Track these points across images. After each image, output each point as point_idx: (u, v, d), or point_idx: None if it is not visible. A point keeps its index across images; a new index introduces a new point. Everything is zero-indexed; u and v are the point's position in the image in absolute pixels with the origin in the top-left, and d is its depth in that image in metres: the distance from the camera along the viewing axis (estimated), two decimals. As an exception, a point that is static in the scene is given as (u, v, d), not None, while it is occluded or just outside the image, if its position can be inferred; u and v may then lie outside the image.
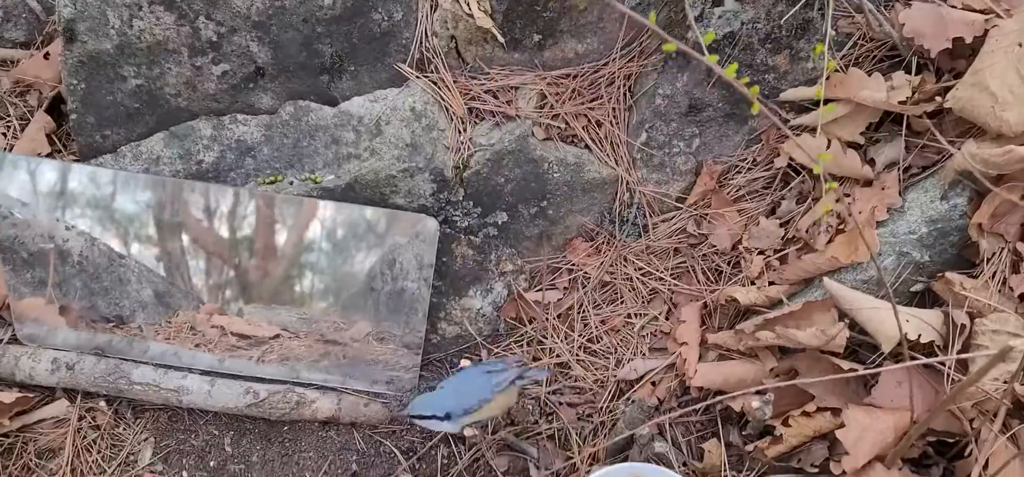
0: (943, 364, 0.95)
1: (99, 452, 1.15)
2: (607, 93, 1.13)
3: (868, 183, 1.06)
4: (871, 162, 1.06)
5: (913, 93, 1.01)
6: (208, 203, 1.10)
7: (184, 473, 1.16)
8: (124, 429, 1.17)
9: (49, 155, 1.18)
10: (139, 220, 1.12)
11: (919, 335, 0.95)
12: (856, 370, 0.96)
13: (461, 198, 1.12)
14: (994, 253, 0.98)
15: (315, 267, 1.13)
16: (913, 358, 0.94)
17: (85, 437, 1.16)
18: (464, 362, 1.18)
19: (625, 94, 1.13)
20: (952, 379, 0.94)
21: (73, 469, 1.14)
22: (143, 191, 1.10)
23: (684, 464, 1.08)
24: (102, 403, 1.17)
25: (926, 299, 1.03)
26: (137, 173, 1.10)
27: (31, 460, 1.14)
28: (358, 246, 1.12)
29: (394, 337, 1.15)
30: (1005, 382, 0.92)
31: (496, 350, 1.19)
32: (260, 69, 1.10)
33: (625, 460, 1.08)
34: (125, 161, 1.10)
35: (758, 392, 1.01)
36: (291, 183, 1.10)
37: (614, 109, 1.13)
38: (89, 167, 1.10)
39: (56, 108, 1.22)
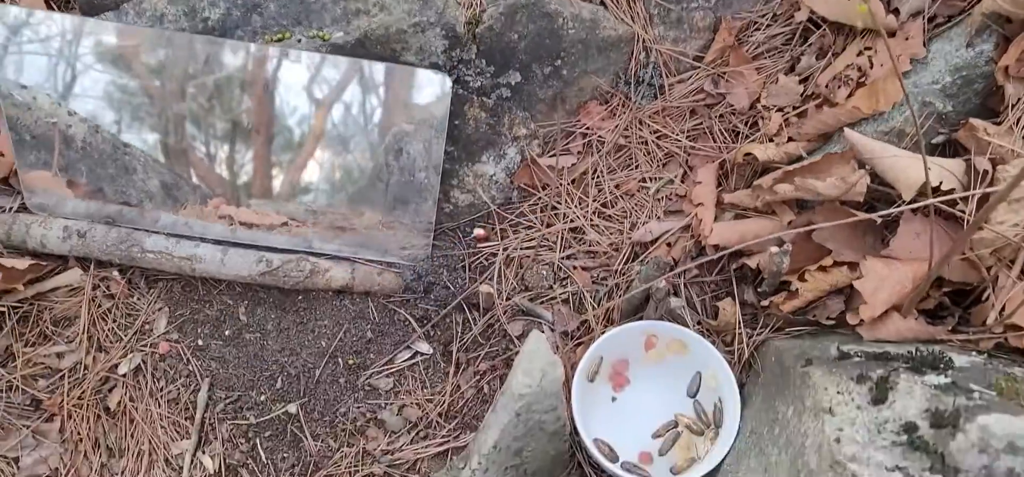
0: (963, 212, 0.94)
1: (115, 320, 1.16)
2: (623, -54, 1.09)
3: (892, 34, 1.03)
4: (895, 12, 1.03)
5: (943, -67, 0.98)
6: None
7: (199, 341, 1.16)
8: (138, 298, 1.17)
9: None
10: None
11: (940, 183, 0.94)
12: (874, 218, 0.95)
13: (474, 56, 1.09)
14: (1020, 98, 0.95)
15: (324, 145, 1.11)
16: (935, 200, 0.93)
17: (100, 306, 1.16)
18: (478, 231, 1.18)
19: (642, -53, 1.10)
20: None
21: (90, 336, 1.15)
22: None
23: (698, 323, 1.08)
24: (115, 272, 1.16)
25: (947, 151, 1.02)
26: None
27: (47, 328, 1.15)
28: (365, 118, 1.09)
29: (404, 225, 1.14)
30: (1025, 227, 0.91)
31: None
32: (264, -80, 1.06)
33: (640, 320, 1.08)
34: (128, 18, 1.07)
35: (776, 244, 1.00)
36: (299, 40, 1.07)
37: (631, -38, 1.10)
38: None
39: (53, -28, 1.18)
